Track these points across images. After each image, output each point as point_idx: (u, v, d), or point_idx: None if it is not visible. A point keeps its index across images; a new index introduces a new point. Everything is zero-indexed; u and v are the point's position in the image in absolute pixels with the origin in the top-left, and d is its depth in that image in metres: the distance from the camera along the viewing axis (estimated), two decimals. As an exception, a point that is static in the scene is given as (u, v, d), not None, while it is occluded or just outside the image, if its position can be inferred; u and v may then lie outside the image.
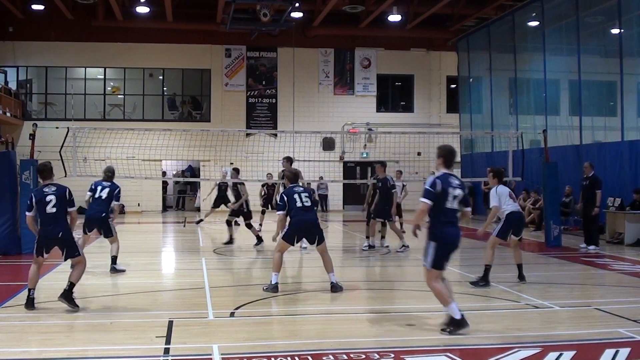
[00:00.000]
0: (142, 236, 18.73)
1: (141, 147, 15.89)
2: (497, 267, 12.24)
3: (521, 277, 9.69)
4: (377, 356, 5.75)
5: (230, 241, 14.46)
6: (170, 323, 6.98)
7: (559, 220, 14.91)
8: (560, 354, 5.83)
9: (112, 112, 28.25)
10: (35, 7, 25.19)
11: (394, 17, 25.74)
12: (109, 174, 11.08)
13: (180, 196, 30.31)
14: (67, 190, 7.78)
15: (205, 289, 9.17)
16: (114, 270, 10.47)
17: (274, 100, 28.82)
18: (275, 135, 25.47)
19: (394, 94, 30.96)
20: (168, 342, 6.28)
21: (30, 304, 7.56)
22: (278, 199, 9.39)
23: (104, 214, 10.82)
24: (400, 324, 7.17)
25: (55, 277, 10.28)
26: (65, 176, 14.17)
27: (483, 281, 9.31)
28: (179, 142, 22.85)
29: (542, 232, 15.87)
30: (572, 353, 5.88)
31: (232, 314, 7.59)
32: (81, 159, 15.38)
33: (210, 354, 5.83)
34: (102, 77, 28.84)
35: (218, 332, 6.81)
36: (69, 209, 7.79)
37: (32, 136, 13.63)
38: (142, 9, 25.31)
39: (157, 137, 16.46)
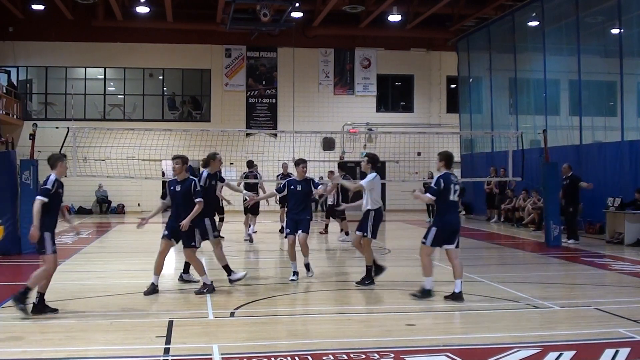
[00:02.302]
0: (142, 236, 18.69)
1: (141, 147, 15.88)
2: (497, 267, 12.29)
3: (371, 280, 9.54)
4: (377, 356, 5.75)
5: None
6: (170, 323, 6.98)
7: (559, 220, 14.93)
8: (560, 354, 5.83)
9: (112, 112, 28.24)
10: (35, 7, 25.18)
11: (394, 17, 25.73)
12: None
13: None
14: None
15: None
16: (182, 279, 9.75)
17: (274, 100, 28.82)
18: (275, 135, 25.45)
19: (394, 94, 30.94)
20: (168, 342, 6.28)
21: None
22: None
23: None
24: (400, 324, 7.17)
25: (55, 276, 10.27)
26: (65, 176, 14.16)
27: (369, 279, 9.47)
28: (179, 142, 22.78)
29: (542, 232, 15.86)
30: (572, 353, 5.88)
31: (232, 314, 7.60)
32: (81, 159, 15.37)
33: (210, 354, 5.84)
34: (102, 77, 28.83)
35: (218, 332, 6.81)
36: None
37: (32, 136, 13.64)
38: (142, 9, 25.31)
39: (157, 137, 16.44)
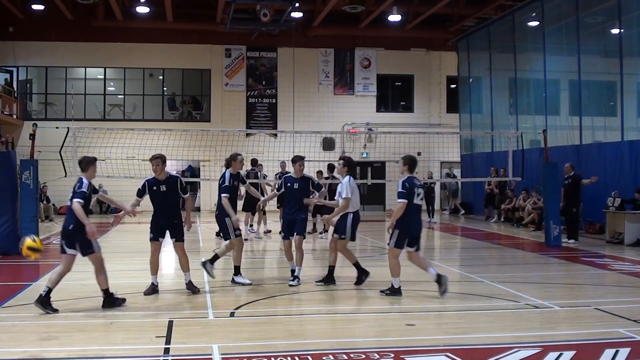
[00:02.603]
0: (142, 236, 18.70)
1: (141, 147, 15.87)
2: (497, 267, 12.29)
3: (328, 280, 9.56)
4: (377, 356, 5.75)
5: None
6: (170, 323, 6.98)
7: (559, 220, 14.93)
8: (560, 354, 5.83)
9: (112, 112, 28.24)
10: (35, 7, 25.18)
11: (394, 17, 25.73)
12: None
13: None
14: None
15: (205, 289, 9.16)
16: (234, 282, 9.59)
17: (274, 100, 28.82)
18: (275, 135, 25.45)
19: (394, 94, 30.94)
20: (168, 342, 6.28)
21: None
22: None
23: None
24: (400, 324, 7.17)
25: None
26: (66, 176, 14.18)
27: (329, 280, 9.55)
28: (179, 142, 22.82)
29: (542, 232, 15.87)
30: (572, 353, 5.88)
31: (232, 314, 7.60)
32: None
33: (210, 354, 5.84)
34: (102, 77, 28.84)
35: (218, 332, 6.81)
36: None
37: (32, 136, 13.64)
38: (142, 9, 25.31)
39: (157, 137, 16.44)
